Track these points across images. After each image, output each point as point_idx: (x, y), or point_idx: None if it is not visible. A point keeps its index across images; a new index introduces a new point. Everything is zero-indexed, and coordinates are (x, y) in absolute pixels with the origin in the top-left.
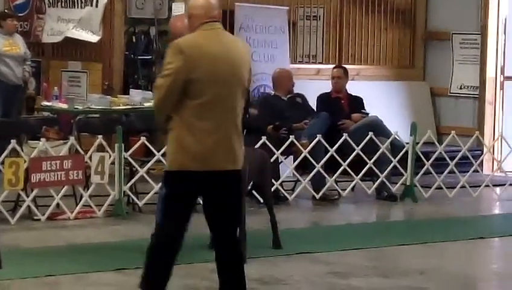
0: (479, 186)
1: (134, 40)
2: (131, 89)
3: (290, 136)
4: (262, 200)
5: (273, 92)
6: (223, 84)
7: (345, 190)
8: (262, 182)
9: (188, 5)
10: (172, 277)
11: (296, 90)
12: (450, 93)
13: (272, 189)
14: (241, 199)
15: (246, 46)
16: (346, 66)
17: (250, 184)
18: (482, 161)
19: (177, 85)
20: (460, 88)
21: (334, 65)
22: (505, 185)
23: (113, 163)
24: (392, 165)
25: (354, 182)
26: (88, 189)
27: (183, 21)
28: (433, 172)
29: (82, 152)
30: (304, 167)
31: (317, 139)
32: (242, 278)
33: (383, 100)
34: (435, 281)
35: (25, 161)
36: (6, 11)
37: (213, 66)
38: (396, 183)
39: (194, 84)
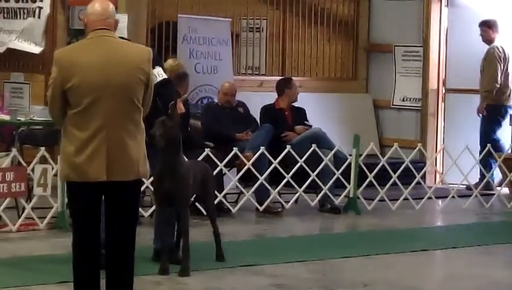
0: (422, 198)
1: None
2: None
3: (234, 148)
4: (205, 213)
5: (215, 101)
6: (100, 92)
7: (289, 202)
8: (205, 195)
9: (85, 12)
10: None
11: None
12: (393, 105)
13: (216, 201)
14: (127, 211)
15: (145, 52)
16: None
17: (193, 196)
18: (424, 173)
19: (57, 96)
20: (403, 100)
21: (277, 77)
22: (447, 197)
23: (55, 175)
24: (335, 177)
25: (297, 194)
26: (31, 201)
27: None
28: (376, 184)
29: (24, 164)
30: (247, 179)
31: (260, 151)
32: None
33: (326, 112)
34: None
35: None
36: None
37: (87, 74)
38: (340, 195)
39: (71, 94)
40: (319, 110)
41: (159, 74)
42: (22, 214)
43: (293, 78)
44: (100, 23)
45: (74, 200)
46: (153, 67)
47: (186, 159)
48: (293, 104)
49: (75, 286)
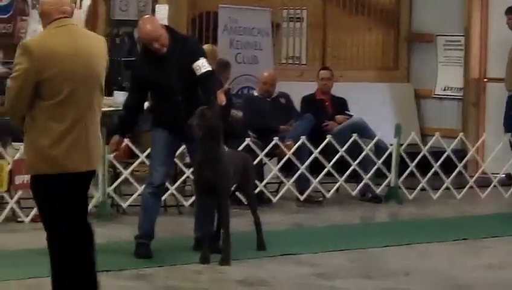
0: (463, 187)
1: (117, 42)
2: (114, 91)
3: (274, 138)
4: (245, 202)
5: (256, 93)
6: (76, 83)
7: (329, 191)
8: (245, 184)
9: (39, 1)
10: (156, 279)
11: (280, 91)
12: (434, 94)
13: (256, 191)
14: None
15: (102, 41)
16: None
17: (234, 186)
18: (466, 163)
19: (27, 87)
20: (445, 90)
21: (318, 67)
22: (488, 186)
23: None
24: (376, 166)
25: (338, 184)
26: None
27: (152, 23)
28: (417, 174)
29: None
30: (288, 169)
31: (301, 140)
32: None
33: (367, 102)
34: (419, 283)
35: (8, 163)
36: None
37: (64, 64)
38: (381, 185)
39: (46, 85)
40: (360, 99)
41: (203, 65)
42: None
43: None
44: (59, 12)
45: (47, 194)
46: (197, 59)
47: (227, 149)
48: (333, 94)
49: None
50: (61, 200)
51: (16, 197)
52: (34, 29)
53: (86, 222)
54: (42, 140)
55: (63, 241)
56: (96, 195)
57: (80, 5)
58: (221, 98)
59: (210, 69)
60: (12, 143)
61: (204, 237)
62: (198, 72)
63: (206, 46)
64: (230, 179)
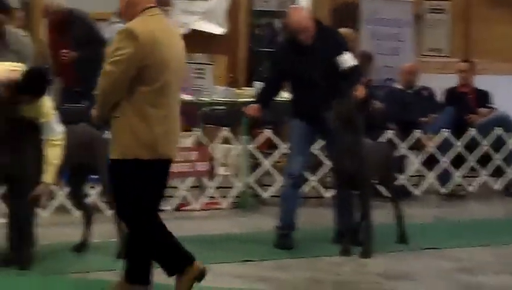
0: None
1: (257, 32)
2: (255, 82)
3: (416, 130)
4: (386, 195)
5: (398, 85)
6: (171, 71)
7: (472, 185)
8: (386, 176)
9: None
10: (297, 270)
11: (421, 84)
12: None
13: (398, 183)
14: None
15: (180, 35)
16: (474, 61)
17: (375, 178)
18: None
19: (130, 71)
20: None
21: (460, 59)
22: None
23: (238, 155)
24: None
25: (481, 178)
26: (213, 180)
27: (301, 13)
28: None
29: (207, 144)
30: (430, 162)
31: (445, 133)
32: None
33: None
34: None
35: None
36: None
37: (162, 53)
38: None
39: (147, 71)
40: (505, 93)
41: (348, 59)
42: (205, 193)
43: (474, 60)
44: (148, 1)
45: (140, 178)
46: (342, 53)
47: (368, 141)
48: (476, 87)
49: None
50: (154, 186)
51: None
52: (176, 20)
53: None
54: (141, 125)
55: (152, 225)
56: (237, 185)
57: None
58: (361, 91)
59: (355, 64)
60: None
61: (345, 229)
62: (343, 66)
63: (345, 30)
64: (370, 170)
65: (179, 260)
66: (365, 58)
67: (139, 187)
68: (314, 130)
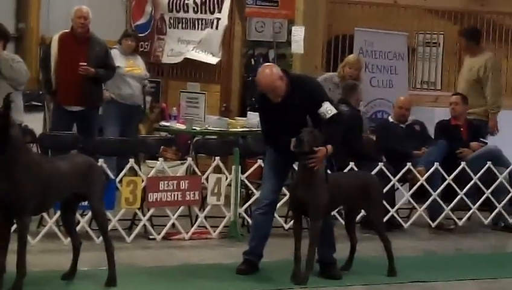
0: None
1: (252, 62)
2: (248, 112)
3: (407, 163)
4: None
5: (391, 119)
6: None
7: (461, 219)
8: (367, 206)
9: None
10: None
11: (414, 117)
12: None
13: (388, 216)
14: None
15: None
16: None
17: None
18: None
19: None
20: None
21: (452, 92)
22: None
23: (229, 185)
24: (510, 195)
25: (470, 212)
26: (204, 210)
27: (268, 75)
28: None
29: (199, 173)
30: (420, 195)
31: (434, 166)
32: None
33: (507, 130)
34: None
35: (142, 180)
36: (127, 31)
37: None
38: None
39: None
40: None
41: (329, 109)
42: (195, 222)
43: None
44: None
45: None
46: (320, 105)
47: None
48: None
49: None
50: None
51: (148, 215)
52: (171, 48)
53: None
54: None
55: None
56: (227, 215)
57: (217, 26)
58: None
59: (336, 112)
60: (146, 161)
61: (296, 257)
62: (325, 117)
63: (351, 56)
64: (322, 199)
65: None
66: (348, 89)
67: None
68: (289, 157)
